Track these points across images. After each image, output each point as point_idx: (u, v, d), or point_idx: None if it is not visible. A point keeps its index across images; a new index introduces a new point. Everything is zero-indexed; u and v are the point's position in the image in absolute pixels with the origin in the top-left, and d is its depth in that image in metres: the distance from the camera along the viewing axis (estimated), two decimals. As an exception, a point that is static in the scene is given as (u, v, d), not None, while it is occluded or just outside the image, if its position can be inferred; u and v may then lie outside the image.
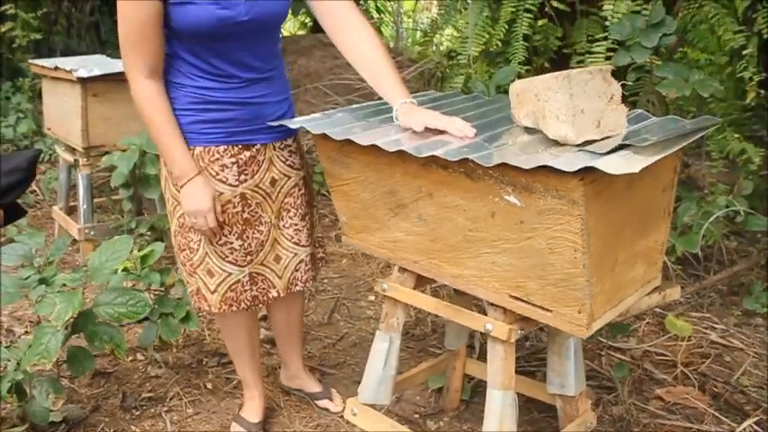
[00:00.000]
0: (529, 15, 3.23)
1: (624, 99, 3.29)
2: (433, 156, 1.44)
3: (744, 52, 3.33)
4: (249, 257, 1.96)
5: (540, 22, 3.32)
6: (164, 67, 1.83)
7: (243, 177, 1.92)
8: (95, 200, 3.65)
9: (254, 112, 1.90)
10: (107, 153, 3.28)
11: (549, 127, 1.45)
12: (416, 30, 9.21)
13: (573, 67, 3.34)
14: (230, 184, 1.90)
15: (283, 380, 2.44)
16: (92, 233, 3.48)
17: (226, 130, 1.88)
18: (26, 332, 2.81)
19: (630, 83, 3.02)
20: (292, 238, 2.03)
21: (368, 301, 3.09)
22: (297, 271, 2.06)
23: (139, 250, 2.62)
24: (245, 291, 1.98)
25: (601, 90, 1.46)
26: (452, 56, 3.69)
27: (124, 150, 2.95)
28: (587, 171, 1.25)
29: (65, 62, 3.45)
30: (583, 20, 3.34)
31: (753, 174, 3.42)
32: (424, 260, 1.68)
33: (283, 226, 2.02)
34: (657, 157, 1.27)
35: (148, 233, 3.31)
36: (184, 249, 1.96)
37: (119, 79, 3.20)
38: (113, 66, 3.36)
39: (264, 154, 1.95)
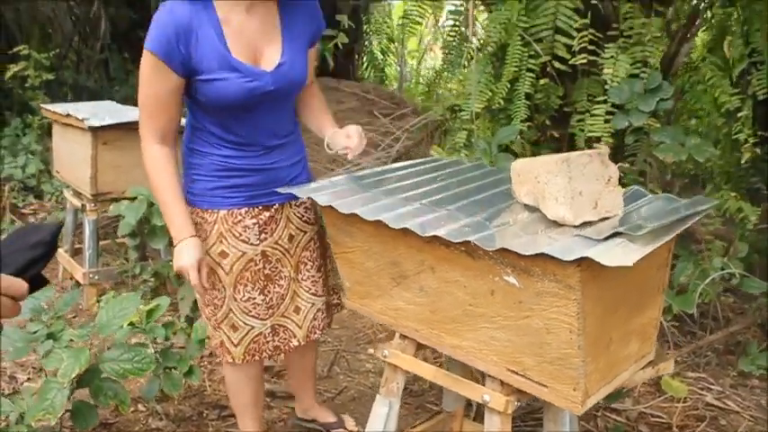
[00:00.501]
0: (531, 75, 3.31)
1: (623, 159, 3.38)
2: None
3: (739, 114, 3.41)
4: (271, 311, 2.07)
5: (541, 81, 3.40)
6: (189, 136, 1.98)
7: (263, 236, 2.02)
8: (100, 242, 3.71)
9: (272, 177, 2.01)
10: (115, 200, 3.34)
11: (549, 208, 1.51)
12: (419, 73, 9.37)
13: (573, 126, 3.44)
14: (252, 244, 2.00)
15: (298, 412, 2.54)
16: (96, 277, 3.53)
17: (247, 193, 1.99)
18: (29, 378, 2.84)
19: (629, 144, 3.09)
20: (310, 289, 2.14)
21: (367, 354, 3.12)
22: (315, 320, 2.16)
23: (143, 297, 2.66)
24: (267, 342, 2.08)
25: (599, 173, 1.52)
26: (455, 110, 3.77)
27: (132, 199, 3.00)
28: (583, 258, 1.30)
29: (77, 109, 3.52)
30: (584, 79, 3.42)
31: (750, 231, 3.48)
32: (424, 329, 1.72)
33: (302, 279, 2.12)
34: (652, 247, 1.33)
35: (152, 279, 3.35)
36: (209, 305, 2.05)
37: (129, 128, 3.29)
38: (123, 114, 3.44)
39: (282, 212, 2.06)
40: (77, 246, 3.90)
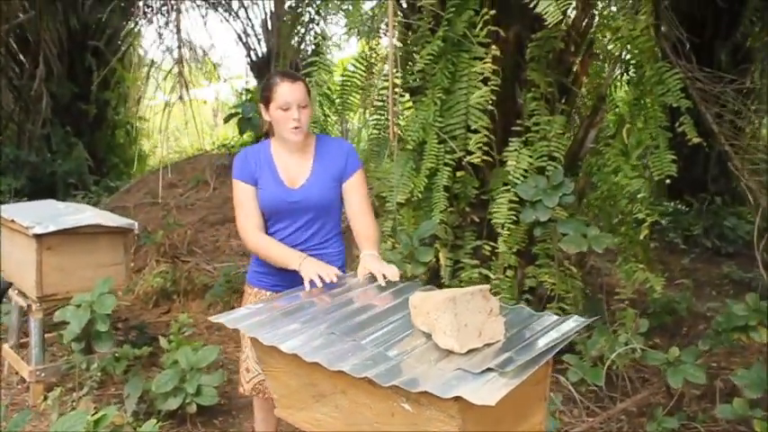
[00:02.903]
0: (448, 168, 3.62)
1: (533, 260, 3.67)
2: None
3: (638, 196, 3.77)
4: None
5: (458, 174, 3.71)
6: None
7: None
8: (46, 334, 3.84)
9: (293, 277, 2.46)
10: (63, 300, 3.50)
11: (439, 339, 1.77)
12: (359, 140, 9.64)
13: (490, 212, 3.75)
14: None
15: None
16: (42, 375, 3.67)
17: (272, 282, 2.68)
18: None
19: (538, 236, 3.40)
20: None
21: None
22: None
23: (88, 393, 2.81)
24: (266, 387, 2.65)
25: (481, 306, 1.79)
26: (382, 197, 4.05)
27: (78, 306, 3.18)
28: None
29: (20, 214, 3.69)
30: (500, 168, 3.74)
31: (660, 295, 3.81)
32: (342, 440, 1.95)
33: None
34: (518, 381, 1.59)
35: (98, 374, 3.50)
36: (243, 351, 2.77)
37: (72, 233, 3.47)
38: (65, 218, 3.62)
39: None
40: (23, 339, 4.02)
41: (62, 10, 8.79)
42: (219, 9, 11.04)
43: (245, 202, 2.62)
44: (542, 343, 1.78)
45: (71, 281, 3.55)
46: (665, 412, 3.33)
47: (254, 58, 10.76)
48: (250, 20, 10.47)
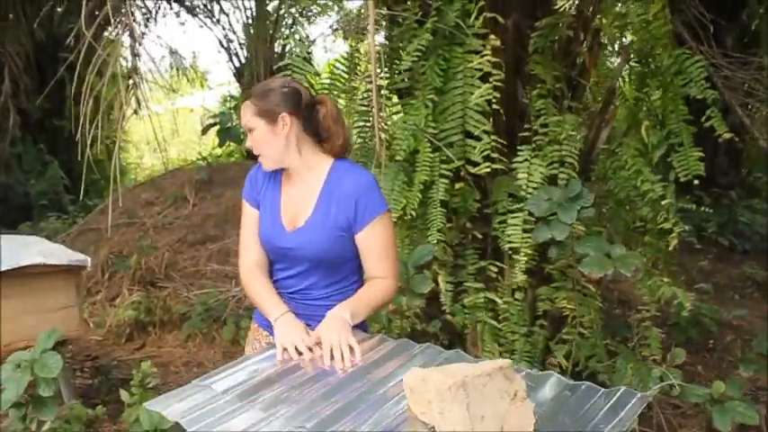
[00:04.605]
0: (445, 180, 3.14)
1: (548, 281, 3.20)
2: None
3: (663, 202, 3.29)
4: None
5: (457, 186, 3.23)
6: None
7: None
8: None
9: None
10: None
11: (447, 438, 1.28)
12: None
13: (495, 228, 3.26)
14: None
15: None
16: (-12, 437, 3.18)
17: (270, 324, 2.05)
18: None
19: (553, 257, 2.92)
20: None
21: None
22: None
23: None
24: None
25: (502, 389, 1.30)
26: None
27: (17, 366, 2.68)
28: None
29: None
30: (503, 177, 3.26)
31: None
32: None
33: None
34: None
35: None
36: None
37: (12, 275, 2.99)
38: (5, 258, 3.12)
39: None
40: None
41: (26, 22, 8.25)
42: (200, 15, 10.58)
43: (246, 227, 2.16)
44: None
45: (13, 330, 3.06)
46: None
47: (236, 64, 10.32)
48: (231, 25, 10.03)
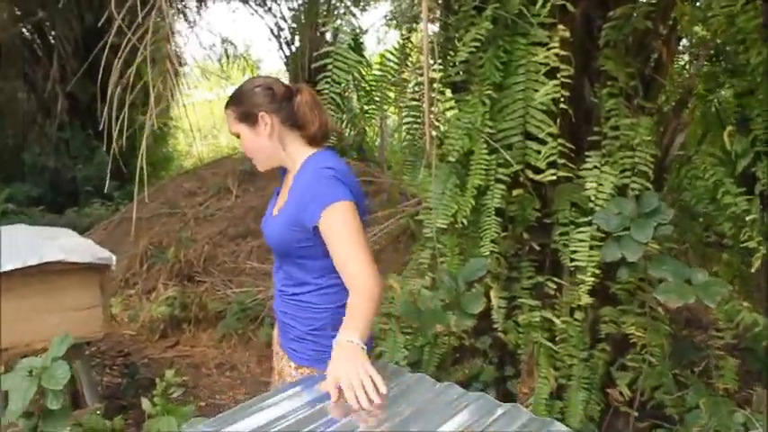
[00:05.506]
0: (501, 186, 2.84)
1: (612, 300, 2.87)
2: None
3: (747, 218, 2.94)
4: None
5: (514, 192, 2.92)
6: None
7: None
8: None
9: (280, 322, 2.09)
10: (21, 353, 2.84)
11: None
12: (400, 138, 8.92)
13: (555, 240, 2.94)
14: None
15: None
16: (4, 441, 3.00)
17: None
18: None
19: (621, 278, 2.59)
20: None
21: None
22: None
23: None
24: None
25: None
26: (419, 220, 3.29)
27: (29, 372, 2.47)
28: None
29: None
30: (566, 185, 2.93)
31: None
32: None
33: None
34: None
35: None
36: None
37: (33, 272, 2.80)
38: (27, 254, 2.93)
39: (281, 361, 2.11)
40: None
41: (77, 6, 8.15)
42: (251, 2, 10.43)
43: None
44: None
45: (32, 330, 2.87)
46: None
47: (287, 52, 10.14)
48: (282, 13, 9.84)
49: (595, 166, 2.65)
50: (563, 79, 2.58)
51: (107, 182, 3.95)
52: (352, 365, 1.60)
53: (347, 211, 1.85)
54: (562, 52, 2.61)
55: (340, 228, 1.84)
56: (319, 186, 1.86)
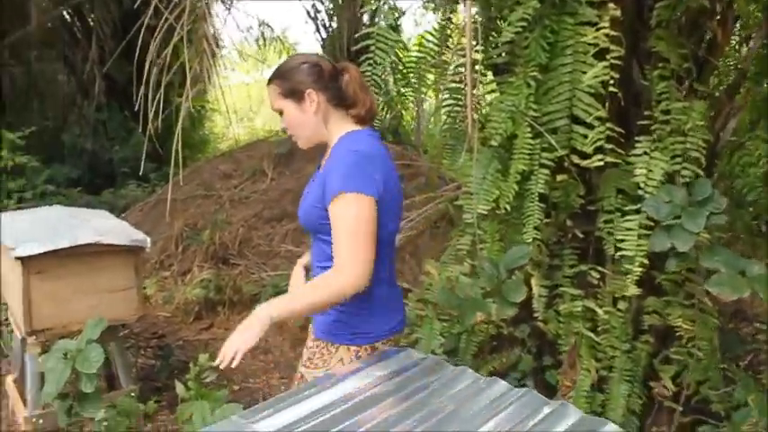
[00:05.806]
0: (545, 171, 2.74)
1: (657, 290, 2.75)
2: None
3: (806, 208, 2.80)
4: None
5: (558, 178, 2.82)
6: None
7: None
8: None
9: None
10: (56, 335, 2.83)
11: None
12: (437, 120, 8.79)
13: (600, 228, 2.84)
14: None
15: None
16: (41, 422, 3.00)
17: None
18: None
19: (670, 269, 2.48)
20: None
21: None
22: None
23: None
24: None
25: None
26: (458, 206, 3.20)
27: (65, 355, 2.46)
28: None
29: (11, 227, 3.01)
30: (613, 171, 2.82)
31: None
32: None
33: None
34: None
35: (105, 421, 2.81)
36: None
37: (67, 254, 2.78)
38: (60, 236, 2.91)
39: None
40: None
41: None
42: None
43: None
44: None
45: (68, 312, 2.86)
46: None
47: (323, 35, 10.06)
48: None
49: (645, 152, 2.54)
50: (613, 61, 2.47)
51: (143, 163, 3.93)
52: (239, 335, 1.74)
53: (360, 204, 1.80)
54: (612, 32, 2.50)
55: (349, 219, 1.80)
56: (340, 170, 1.83)
